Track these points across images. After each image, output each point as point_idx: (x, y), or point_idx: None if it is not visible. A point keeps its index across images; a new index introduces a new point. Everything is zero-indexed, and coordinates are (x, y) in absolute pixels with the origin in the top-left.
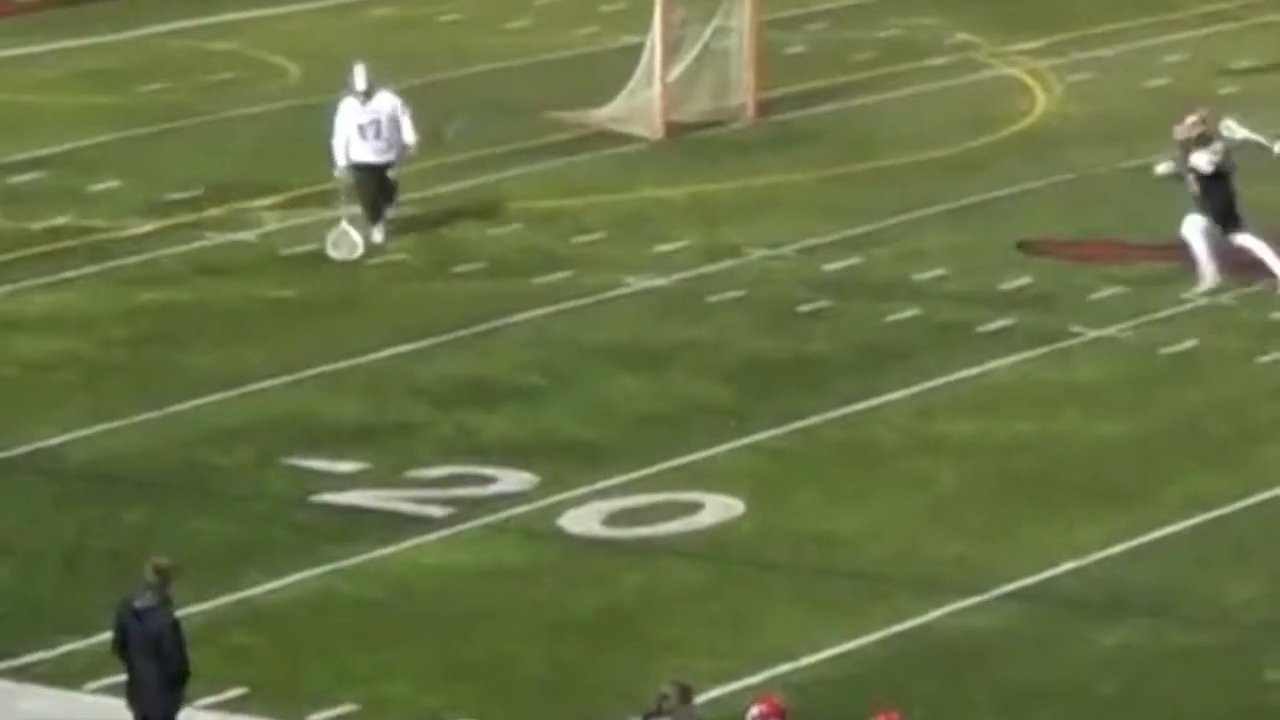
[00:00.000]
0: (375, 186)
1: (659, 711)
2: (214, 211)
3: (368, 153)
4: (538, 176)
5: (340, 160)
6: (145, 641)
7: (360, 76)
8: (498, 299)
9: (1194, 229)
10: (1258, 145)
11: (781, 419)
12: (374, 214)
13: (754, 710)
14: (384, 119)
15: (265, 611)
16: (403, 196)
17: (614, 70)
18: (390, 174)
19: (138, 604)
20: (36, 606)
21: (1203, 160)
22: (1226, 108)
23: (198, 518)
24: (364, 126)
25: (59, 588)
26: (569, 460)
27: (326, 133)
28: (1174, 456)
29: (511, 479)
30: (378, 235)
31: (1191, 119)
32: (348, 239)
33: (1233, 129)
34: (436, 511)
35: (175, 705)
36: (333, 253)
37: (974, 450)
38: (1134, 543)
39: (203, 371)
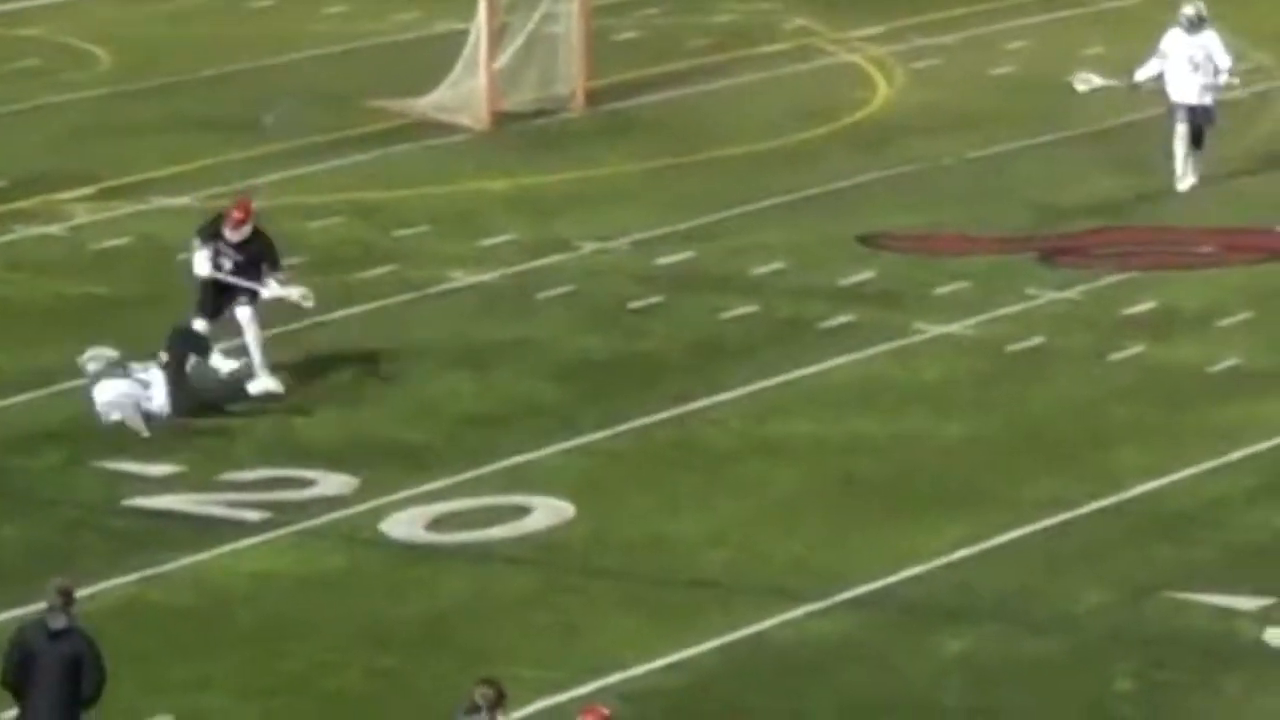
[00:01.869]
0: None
1: (475, 709)
2: (21, 204)
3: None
4: (359, 167)
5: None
6: (60, 664)
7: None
8: (317, 294)
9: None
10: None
11: (613, 419)
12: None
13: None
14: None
15: None
16: (216, 189)
17: (436, 57)
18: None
19: (53, 625)
20: None
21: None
22: (1075, 95)
23: (3, 523)
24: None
25: None
26: (391, 462)
27: (139, 122)
28: (1021, 458)
29: (331, 482)
30: (221, 366)
31: (242, 215)
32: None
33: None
34: (253, 515)
35: None
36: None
37: (814, 452)
38: (980, 547)
39: (7, 371)
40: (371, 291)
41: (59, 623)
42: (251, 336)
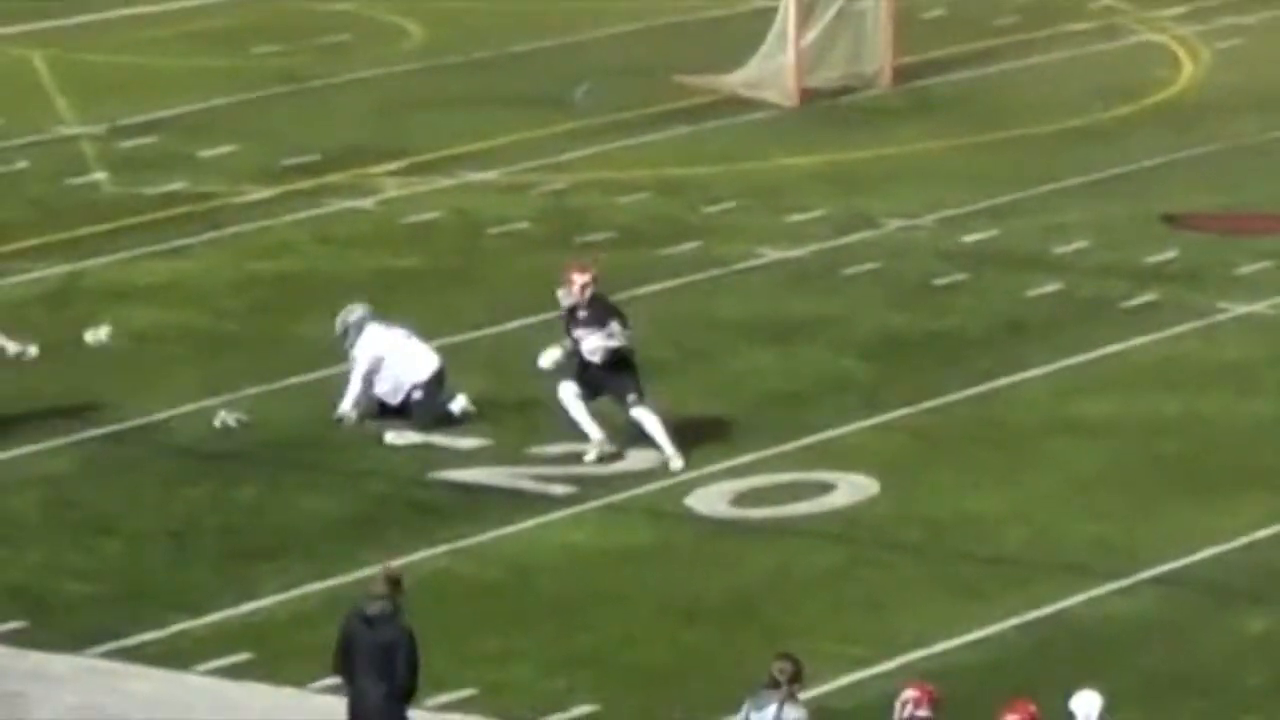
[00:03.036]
0: None
1: (775, 684)
2: (332, 178)
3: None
4: (667, 143)
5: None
6: (376, 651)
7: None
8: (625, 270)
9: (570, 394)
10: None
11: (917, 396)
12: None
13: (907, 694)
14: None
15: None
16: (525, 164)
17: (745, 34)
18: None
19: (369, 610)
20: (146, 586)
21: (595, 347)
22: None
23: (312, 495)
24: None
25: (169, 566)
26: (697, 437)
27: (449, 97)
28: None
29: (637, 456)
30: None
31: (581, 278)
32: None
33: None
34: (559, 489)
35: None
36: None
37: (1116, 430)
38: None
39: (320, 343)
40: (678, 267)
41: (374, 608)
42: (651, 427)
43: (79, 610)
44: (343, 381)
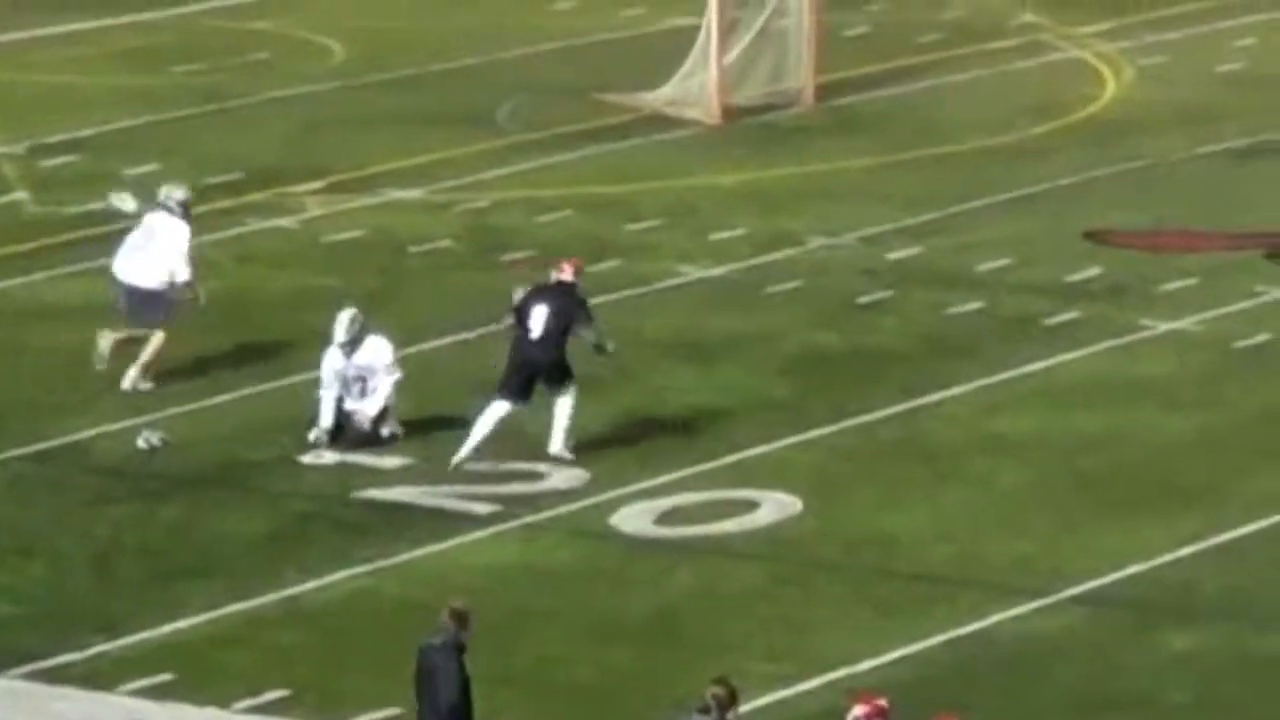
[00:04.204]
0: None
1: (706, 709)
2: (254, 197)
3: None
4: (589, 162)
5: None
6: (428, 679)
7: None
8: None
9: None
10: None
11: (840, 414)
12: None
13: (856, 711)
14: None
15: (306, 611)
16: (448, 183)
17: (667, 52)
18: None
19: (426, 643)
20: (68, 607)
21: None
22: None
23: (235, 514)
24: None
25: (91, 587)
26: (621, 456)
27: (371, 115)
28: (1247, 454)
29: (561, 475)
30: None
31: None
32: None
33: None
34: (482, 509)
35: None
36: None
37: (1039, 448)
38: (1205, 544)
39: (243, 362)
40: (601, 285)
41: (433, 640)
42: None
43: (0, 631)
44: (267, 393)
